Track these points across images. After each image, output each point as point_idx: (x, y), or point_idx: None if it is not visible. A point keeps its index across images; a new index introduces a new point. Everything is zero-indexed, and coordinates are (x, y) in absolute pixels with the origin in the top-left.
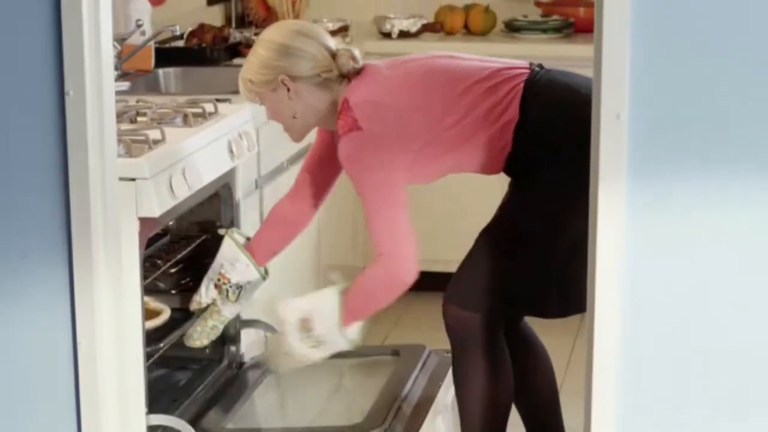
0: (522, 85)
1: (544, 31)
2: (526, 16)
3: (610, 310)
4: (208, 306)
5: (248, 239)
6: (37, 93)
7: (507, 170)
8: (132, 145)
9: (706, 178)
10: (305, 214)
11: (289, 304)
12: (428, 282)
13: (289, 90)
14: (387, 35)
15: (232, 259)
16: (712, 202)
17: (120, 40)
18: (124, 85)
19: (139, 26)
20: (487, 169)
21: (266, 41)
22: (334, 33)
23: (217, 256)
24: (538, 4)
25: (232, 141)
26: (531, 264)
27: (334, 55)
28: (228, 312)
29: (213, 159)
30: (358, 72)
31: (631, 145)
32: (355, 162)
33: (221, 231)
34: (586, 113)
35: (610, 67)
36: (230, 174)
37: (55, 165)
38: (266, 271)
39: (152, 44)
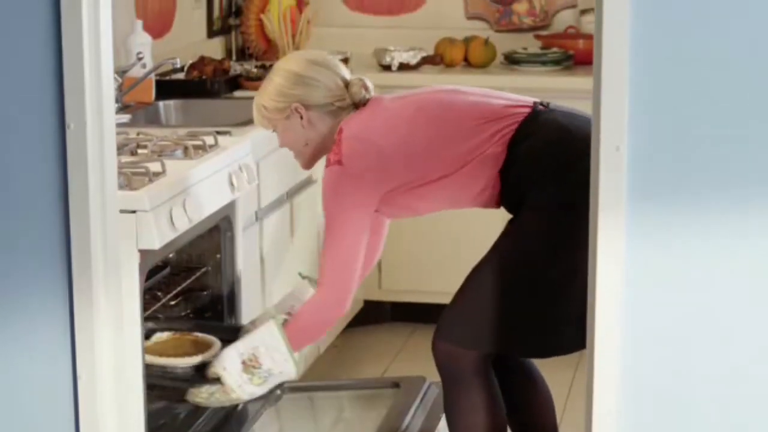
0: (516, 125)
1: (544, 63)
2: (525, 49)
3: (610, 340)
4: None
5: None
6: (38, 126)
7: (505, 206)
8: (132, 178)
9: (705, 210)
10: None
11: (223, 355)
12: (428, 314)
13: (302, 118)
14: (387, 68)
15: (272, 347)
16: (711, 233)
17: (121, 72)
18: (125, 117)
19: (139, 59)
20: (483, 204)
21: (282, 70)
22: None
23: (257, 333)
24: (537, 37)
25: (233, 173)
26: (515, 303)
27: (347, 84)
28: (246, 394)
29: (213, 191)
30: (365, 104)
31: (631, 177)
32: (329, 193)
33: (276, 318)
34: (571, 156)
35: (610, 100)
36: (230, 206)
37: (56, 197)
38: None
39: (153, 76)
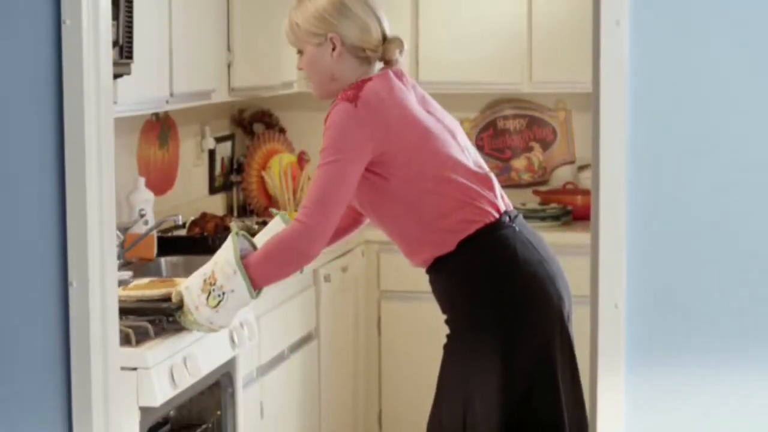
0: (479, 225)
1: (543, 219)
2: (524, 204)
3: None
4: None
5: (255, 248)
6: (39, 282)
7: (433, 291)
8: (134, 335)
9: (705, 370)
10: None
11: (191, 276)
12: None
13: (334, 49)
14: None
15: (223, 260)
16: (712, 392)
17: (123, 229)
18: (127, 274)
19: (141, 216)
20: (401, 246)
21: None
22: None
23: (217, 252)
24: (536, 193)
25: (233, 330)
26: (449, 416)
27: (385, 39)
28: (203, 319)
29: (214, 348)
30: (394, 66)
31: (629, 334)
32: (332, 126)
33: (232, 227)
34: (514, 288)
35: (608, 257)
36: (231, 363)
37: (58, 355)
38: (258, 292)
39: (155, 233)
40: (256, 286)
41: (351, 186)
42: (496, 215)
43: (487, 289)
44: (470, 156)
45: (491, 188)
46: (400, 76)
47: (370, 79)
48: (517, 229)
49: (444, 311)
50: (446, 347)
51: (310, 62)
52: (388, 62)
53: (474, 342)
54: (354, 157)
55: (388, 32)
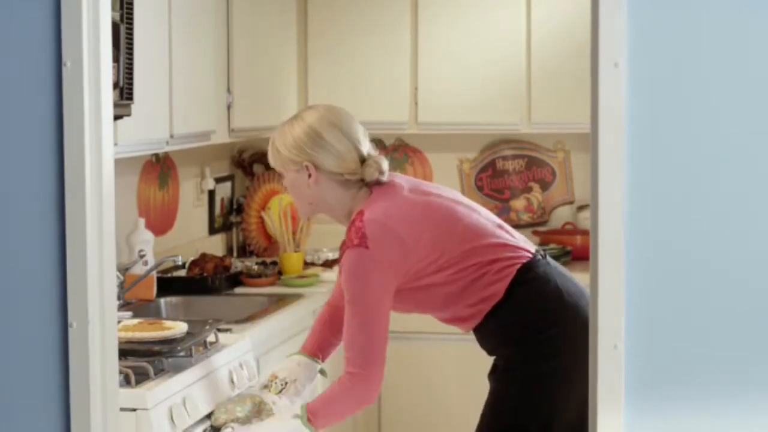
0: (517, 266)
1: None
2: None
3: None
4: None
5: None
6: (40, 324)
7: (480, 342)
8: (133, 376)
9: (704, 412)
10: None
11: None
12: None
13: (309, 176)
14: None
15: (281, 368)
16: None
17: (123, 270)
18: (127, 314)
19: (141, 256)
20: (454, 323)
21: (306, 124)
22: (333, 262)
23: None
24: (535, 233)
25: (233, 371)
26: None
27: (363, 161)
28: (268, 398)
29: (213, 389)
30: (380, 184)
31: (629, 375)
32: (354, 276)
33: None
34: (563, 319)
35: (607, 298)
36: None
37: (57, 396)
38: (323, 371)
39: (154, 274)
40: (316, 425)
41: (387, 321)
42: (529, 254)
43: (542, 322)
44: (481, 214)
45: (510, 234)
46: (385, 182)
47: (362, 213)
48: (551, 263)
49: (495, 348)
50: (500, 378)
51: (290, 186)
52: (368, 184)
53: (533, 371)
54: (383, 294)
55: (367, 153)
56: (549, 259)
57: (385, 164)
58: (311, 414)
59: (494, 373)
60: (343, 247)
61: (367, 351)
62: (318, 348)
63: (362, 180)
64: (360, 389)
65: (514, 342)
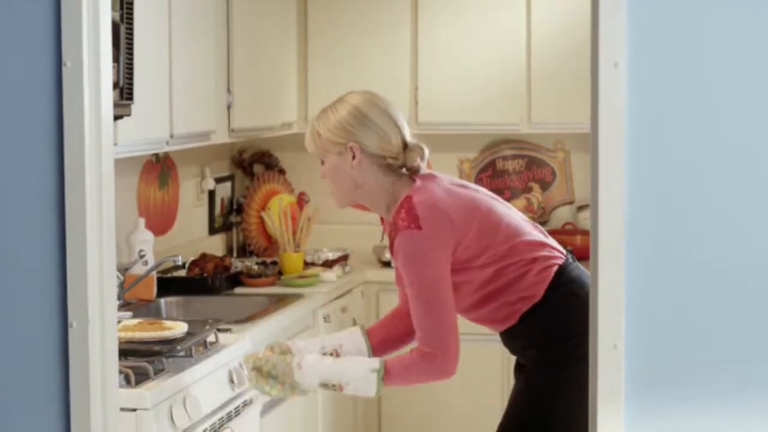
0: (555, 269)
1: None
2: None
3: None
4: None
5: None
6: (40, 324)
7: (506, 342)
8: (133, 376)
9: (704, 411)
10: None
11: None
12: None
13: (354, 158)
14: (386, 264)
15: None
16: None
17: (122, 270)
18: (127, 315)
19: (141, 256)
20: (487, 323)
21: (351, 105)
22: (333, 262)
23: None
24: None
25: (233, 371)
26: None
27: (405, 146)
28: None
29: (214, 389)
30: (418, 173)
31: (629, 375)
32: (411, 258)
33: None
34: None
35: (607, 298)
36: (231, 403)
37: (58, 396)
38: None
39: (154, 274)
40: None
41: (451, 297)
42: (563, 256)
43: (571, 328)
44: (517, 212)
45: (544, 234)
46: (425, 175)
47: (410, 197)
48: (580, 266)
49: (523, 349)
50: (531, 377)
51: (331, 171)
52: (410, 169)
53: (568, 374)
54: (441, 273)
55: (409, 139)
56: (576, 261)
57: (427, 151)
58: (387, 373)
59: (521, 372)
60: (393, 233)
61: (437, 332)
62: (379, 332)
63: (403, 166)
64: (437, 367)
65: (545, 343)
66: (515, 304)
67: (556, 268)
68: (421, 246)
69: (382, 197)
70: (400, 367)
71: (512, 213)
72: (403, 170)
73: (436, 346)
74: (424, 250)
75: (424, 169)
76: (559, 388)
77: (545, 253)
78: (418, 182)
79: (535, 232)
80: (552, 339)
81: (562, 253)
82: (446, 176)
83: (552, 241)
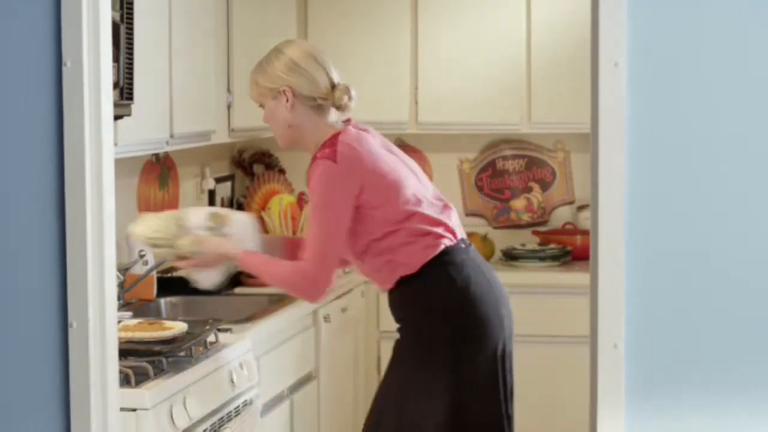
0: (441, 247)
1: (542, 259)
2: (524, 245)
3: None
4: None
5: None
6: (40, 324)
7: (390, 310)
8: (133, 376)
9: (705, 411)
10: None
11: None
12: None
13: (287, 101)
14: None
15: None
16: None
17: (123, 270)
18: (127, 314)
19: (141, 256)
20: (372, 276)
21: (282, 54)
22: None
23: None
24: (535, 233)
25: (233, 371)
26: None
27: (333, 87)
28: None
29: (213, 389)
30: (347, 110)
31: (629, 375)
32: (318, 183)
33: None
34: (456, 316)
35: (607, 298)
36: (230, 403)
37: (57, 396)
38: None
39: (154, 274)
40: (242, 266)
41: (344, 236)
42: (454, 240)
43: (441, 306)
44: (429, 191)
45: (449, 216)
46: (361, 127)
47: (339, 134)
48: (471, 254)
49: (398, 320)
50: (397, 350)
51: (269, 113)
52: (338, 107)
53: (425, 352)
54: (342, 209)
55: (336, 80)
56: (472, 249)
57: (353, 91)
58: (248, 255)
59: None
60: (311, 163)
61: (320, 251)
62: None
63: (332, 105)
64: (303, 280)
65: (414, 318)
66: (396, 268)
67: (442, 247)
68: (330, 176)
69: (318, 137)
70: (275, 260)
71: (425, 189)
72: (335, 111)
73: (313, 262)
74: (332, 180)
75: (353, 103)
76: (415, 363)
77: (438, 230)
78: (352, 129)
79: (437, 211)
80: (417, 315)
81: (456, 238)
82: (382, 137)
83: (455, 225)
